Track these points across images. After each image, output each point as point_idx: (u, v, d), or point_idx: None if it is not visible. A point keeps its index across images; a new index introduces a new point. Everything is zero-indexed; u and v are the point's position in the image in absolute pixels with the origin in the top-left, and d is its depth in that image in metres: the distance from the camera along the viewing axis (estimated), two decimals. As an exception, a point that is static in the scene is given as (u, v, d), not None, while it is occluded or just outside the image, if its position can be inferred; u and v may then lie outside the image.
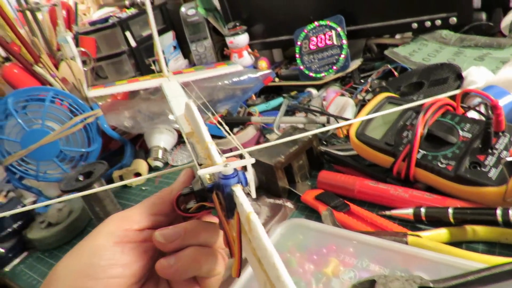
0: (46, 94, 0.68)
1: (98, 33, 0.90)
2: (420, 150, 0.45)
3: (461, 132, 0.45)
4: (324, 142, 0.64)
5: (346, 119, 0.63)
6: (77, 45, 0.81)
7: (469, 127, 0.45)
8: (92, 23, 0.92)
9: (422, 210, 0.41)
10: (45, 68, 0.72)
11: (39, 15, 0.78)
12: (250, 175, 0.26)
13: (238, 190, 0.23)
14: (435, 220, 0.40)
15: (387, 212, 0.44)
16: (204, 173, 0.24)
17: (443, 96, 0.48)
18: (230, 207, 0.23)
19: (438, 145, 0.45)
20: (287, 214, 0.51)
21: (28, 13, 0.75)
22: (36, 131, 0.67)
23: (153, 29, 0.74)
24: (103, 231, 0.26)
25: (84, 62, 0.82)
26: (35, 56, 0.72)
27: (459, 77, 0.57)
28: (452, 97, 0.50)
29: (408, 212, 0.42)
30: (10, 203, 0.66)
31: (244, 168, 0.25)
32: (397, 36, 0.82)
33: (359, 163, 0.54)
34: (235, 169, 0.24)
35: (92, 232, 0.27)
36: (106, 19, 0.91)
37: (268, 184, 0.56)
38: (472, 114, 0.50)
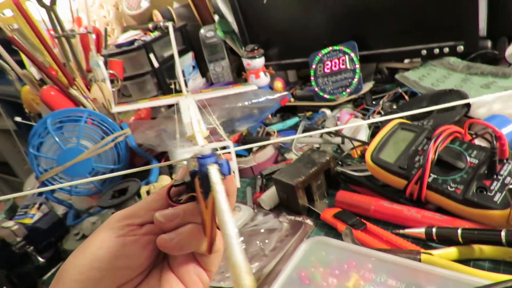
0: (81, 115, 0.73)
1: (124, 55, 0.96)
2: (431, 174, 0.49)
3: (468, 158, 0.49)
4: (340, 162, 0.68)
5: (361, 141, 0.68)
6: (106, 67, 0.86)
7: (476, 153, 0.49)
8: (119, 46, 0.98)
9: (434, 230, 0.45)
10: (78, 90, 0.78)
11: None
12: (234, 164, 0.27)
13: (212, 169, 0.23)
14: (445, 239, 0.45)
15: (401, 231, 0.48)
16: (182, 152, 0.27)
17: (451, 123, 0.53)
18: (206, 186, 0.24)
19: (447, 170, 0.49)
20: (307, 230, 0.56)
21: (63, 39, 0.81)
22: (71, 149, 0.72)
23: (175, 54, 0.79)
24: (106, 227, 0.27)
25: (111, 82, 0.87)
26: (70, 79, 0.78)
27: (467, 104, 0.61)
28: (460, 124, 0.55)
29: (420, 231, 0.47)
30: (48, 216, 0.71)
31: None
32: (406, 61, 0.87)
33: (373, 184, 0.58)
34: (213, 152, 0.25)
35: (95, 230, 0.28)
36: (131, 42, 0.97)
37: (289, 202, 0.60)
38: (479, 140, 0.54)
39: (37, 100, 0.92)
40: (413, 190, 0.51)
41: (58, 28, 0.79)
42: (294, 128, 0.86)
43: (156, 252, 0.28)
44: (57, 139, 0.71)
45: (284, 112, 0.93)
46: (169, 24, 0.80)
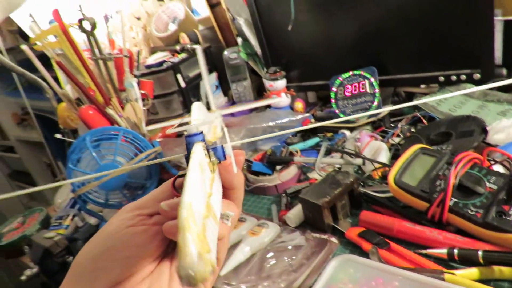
0: (116, 133, 0.78)
1: (153, 76, 1.02)
2: (453, 198, 0.52)
3: (487, 184, 0.52)
4: (361, 183, 0.71)
5: (381, 163, 0.71)
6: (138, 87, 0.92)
7: (494, 179, 0.52)
8: (148, 67, 1.03)
9: (455, 251, 0.48)
10: (114, 109, 0.83)
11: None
12: (229, 148, 0.28)
13: (197, 145, 0.24)
14: (466, 260, 0.48)
15: (424, 251, 0.51)
16: (171, 131, 0.29)
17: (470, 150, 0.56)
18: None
19: (468, 194, 0.52)
20: (332, 248, 0.59)
21: (100, 61, 0.86)
22: (107, 165, 0.77)
23: (205, 76, 0.85)
24: (116, 219, 0.28)
25: (142, 101, 0.93)
26: (106, 99, 0.83)
27: (484, 131, 0.65)
28: (479, 150, 0.58)
29: (442, 252, 0.50)
30: (85, 227, 0.75)
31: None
32: (423, 85, 0.90)
33: (395, 205, 0.61)
34: (200, 132, 0.26)
35: (106, 224, 0.29)
36: (160, 63, 1.03)
37: (314, 220, 0.64)
38: (497, 166, 0.57)
39: (72, 117, 0.98)
40: (434, 213, 0.54)
41: (96, 51, 0.85)
42: (315, 148, 0.90)
43: (166, 242, 0.28)
44: (95, 155, 0.76)
45: (305, 132, 0.97)
46: (197, 48, 0.86)
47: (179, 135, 1.08)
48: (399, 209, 0.60)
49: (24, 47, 0.82)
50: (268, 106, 1.09)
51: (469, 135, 0.66)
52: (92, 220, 0.89)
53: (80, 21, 0.82)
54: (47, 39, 0.82)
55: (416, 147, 0.62)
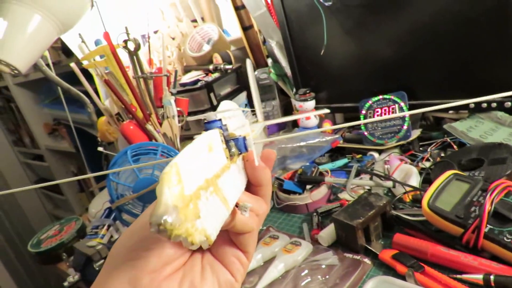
0: (155, 148, 0.82)
1: (188, 93, 1.06)
2: (488, 225, 0.54)
3: (523, 212, 0.53)
4: (392, 206, 0.73)
5: (412, 186, 0.73)
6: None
7: (530, 208, 0.53)
8: (183, 85, 1.08)
9: (492, 277, 0.49)
10: (152, 126, 0.88)
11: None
12: (251, 140, 0.29)
13: (213, 131, 0.25)
14: (503, 286, 0.49)
15: (459, 276, 0.53)
16: (191, 119, 0.31)
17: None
18: None
19: (503, 222, 0.53)
20: (365, 269, 0.61)
21: (141, 80, 0.91)
22: (146, 179, 0.80)
23: (255, 93, 0.88)
24: (149, 211, 0.28)
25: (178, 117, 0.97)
26: (146, 116, 0.87)
27: (517, 159, 0.66)
28: (511, 178, 0.59)
29: (478, 277, 0.51)
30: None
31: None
32: (451, 111, 0.92)
33: (427, 228, 0.63)
34: (219, 119, 0.27)
35: (140, 215, 0.29)
36: (195, 82, 1.07)
37: (347, 241, 0.65)
38: (531, 194, 0.58)
39: (110, 131, 1.03)
40: (469, 238, 0.55)
41: (138, 70, 0.90)
42: (343, 169, 0.92)
43: None
44: (135, 168, 0.80)
45: (333, 152, 0.99)
46: (248, 62, 0.89)
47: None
48: (432, 233, 0.61)
49: (72, 65, 0.88)
50: (296, 126, 1.12)
51: (501, 162, 0.68)
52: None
53: (125, 41, 0.87)
54: (94, 58, 0.87)
55: (449, 173, 0.64)
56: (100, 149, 0.83)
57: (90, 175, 0.33)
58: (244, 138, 0.29)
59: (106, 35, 0.77)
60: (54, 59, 1.34)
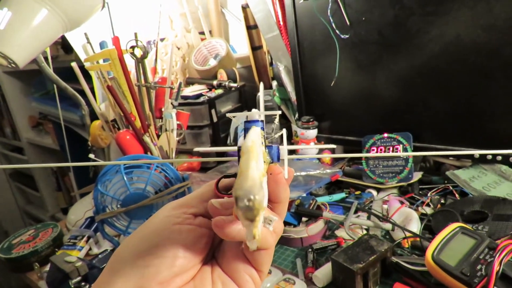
0: (151, 163, 0.78)
1: (189, 107, 1.03)
2: (495, 286, 0.52)
3: (531, 277, 0.52)
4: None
5: (413, 233, 0.71)
6: (174, 118, 0.93)
7: (538, 273, 0.52)
8: (185, 97, 1.05)
9: None
10: (150, 137, 0.84)
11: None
12: (285, 150, 0.27)
13: (254, 128, 0.24)
14: None
15: (462, 338, 0.50)
16: (230, 115, 0.29)
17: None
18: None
19: (510, 285, 0.52)
20: (362, 318, 0.57)
21: (144, 88, 0.88)
22: (137, 194, 0.76)
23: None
24: (161, 215, 0.27)
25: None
26: (145, 126, 0.84)
27: (522, 218, 0.65)
28: (518, 238, 0.58)
29: None
30: (104, 255, 0.73)
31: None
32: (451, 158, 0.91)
33: (427, 280, 0.60)
34: (261, 120, 0.26)
35: (149, 219, 0.28)
36: (198, 96, 1.04)
37: (344, 285, 0.62)
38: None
39: (103, 136, 0.98)
40: (475, 298, 0.53)
41: (142, 78, 0.87)
42: (340, 203, 0.90)
43: (208, 246, 0.27)
44: (127, 181, 0.76)
45: (330, 184, 0.97)
46: (261, 86, 0.86)
47: (203, 168, 1.08)
48: (433, 286, 0.59)
49: (74, 64, 0.84)
50: (295, 154, 1.09)
51: (506, 219, 0.66)
52: (107, 245, 0.87)
53: (133, 47, 0.84)
54: (98, 61, 0.84)
55: (455, 225, 0.62)
56: (91, 156, 0.79)
57: (94, 162, 0.30)
58: (278, 147, 0.27)
59: (116, 40, 0.74)
60: (52, 53, 1.29)
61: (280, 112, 0.31)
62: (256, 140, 0.20)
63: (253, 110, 0.27)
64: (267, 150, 0.27)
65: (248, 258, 0.27)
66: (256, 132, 0.23)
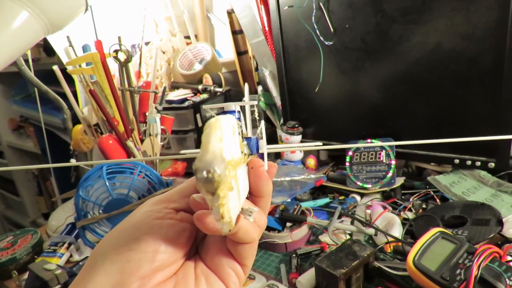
0: (134, 167, 0.77)
1: (173, 111, 1.03)
2: (473, 291, 0.53)
3: (508, 281, 0.53)
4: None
5: (395, 238, 0.72)
6: (158, 122, 0.92)
7: (515, 277, 0.53)
8: (169, 102, 1.04)
9: None
10: (133, 142, 0.83)
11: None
12: (264, 143, 0.27)
13: (233, 118, 0.23)
14: None
15: None
16: (206, 107, 0.29)
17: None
18: None
19: (488, 289, 0.53)
20: (345, 323, 0.58)
21: (127, 93, 0.87)
22: (119, 200, 0.75)
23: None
24: (142, 211, 0.27)
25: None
26: (128, 131, 0.83)
27: (500, 222, 0.66)
28: (494, 242, 0.59)
29: None
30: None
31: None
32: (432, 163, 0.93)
33: (409, 285, 0.61)
34: (238, 111, 0.26)
35: (130, 214, 0.27)
36: (182, 100, 1.04)
37: (327, 290, 0.63)
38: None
39: (85, 140, 0.96)
40: (454, 302, 0.54)
41: (126, 82, 0.86)
42: (324, 208, 0.90)
43: (190, 241, 0.27)
44: (109, 187, 0.74)
45: (315, 189, 0.98)
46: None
47: (187, 173, 1.07)
48: (414, 291, 0.60)
49: (55, 68, 0.83)
50: (280, 158, 1.10)
51: (484, 224, 0.68)
52: (89, 252, 0.85)
53: (116, 51, 0.83)
54: (80, 64, 0.82)
55: (435, 230, 0.63)
56: (73, 161, 0.77)
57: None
58: (257, 139, 0.26)
59: (99, 44, 0.73)
60: (34, 55, 1.26)
61: (256, 102, 0.31)
62: (221, 118, 0.20)
63: (230, 102, 0.27)
64: (245, 141, 0.26)
65: (232, 253, 0.27)
66: (226, 116, 0.23)
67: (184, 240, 0.26)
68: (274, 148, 0.30)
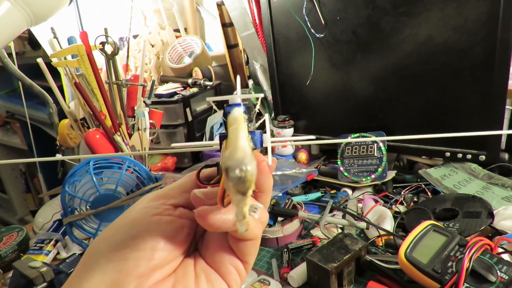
0: (122, 162, 0.75)
1: (162, 106, 1.01)
2: (465, 283, 0.52)
3: (499, 273, 0.53)
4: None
5: (387, 231, 0.71)
6: (147, 116, 0.90)
7: (506, 269, 0.53)
8: (158, 96, 1.02)
9: None
10: (121, 137, 0.81)
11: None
12: (268, 137, 0.26)
13: (236, 109, 0.22)
14: None
15: (433, 335, 0.51)
16: (210, 99, 0.27)
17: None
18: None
19: (479, 281, 0.52)
20: (336, 317, 0.57)
21: (115, 86, 0.85)
22: (107, 195, 0.73)
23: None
24: (139, 207, 0.26)
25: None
26: (116, 125, 0.81)
27: (491, 215, 0.66)
28: (485, 234, 0.59)
29: None
30: (72, 260, 0.70)
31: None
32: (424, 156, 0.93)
33: (401, 278, 0.61)
34: (243, 104, 0.24)
35: (127, 210, 0.26)
36: (172, 94, 1.02)
37: (319, 284, 0.62)
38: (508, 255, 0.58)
39: (72, 135, 0.94)
40: (446, 295, 0.53)
41: (113, 75, 0.84)
42: (315, 202, 0.90)
43: (190, 238, 0.26)
44: (96, 182, 0.73)
45: (306, 183, 0.97)
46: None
47: (177, 168, 1.05)
48: (406, 283, 0.60)
49: (39, 60, 0.80)
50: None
51: (475, 216, 0.68)
52: (76, 249, 0.83)
53: (103, 44, 0.81)
54: (65, 57, 0.80)
55: (427, 223, 0.63)
56: (59, 156, 0.75)
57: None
58: (261, 133, 0.25)
59: (84, 35, 0.71)
60: (18, 49, 1.23)
61: (262, 95, 0.30)
62: (242, 114, 0.19)
63: (234, 93, 0.26)
64: (249, 136, 0.25)
65: (233, 249, 0.26)
66: (239, 111, 0.22)
67: (183, 237, 0.25)
68: (278, 142, 0.29)
